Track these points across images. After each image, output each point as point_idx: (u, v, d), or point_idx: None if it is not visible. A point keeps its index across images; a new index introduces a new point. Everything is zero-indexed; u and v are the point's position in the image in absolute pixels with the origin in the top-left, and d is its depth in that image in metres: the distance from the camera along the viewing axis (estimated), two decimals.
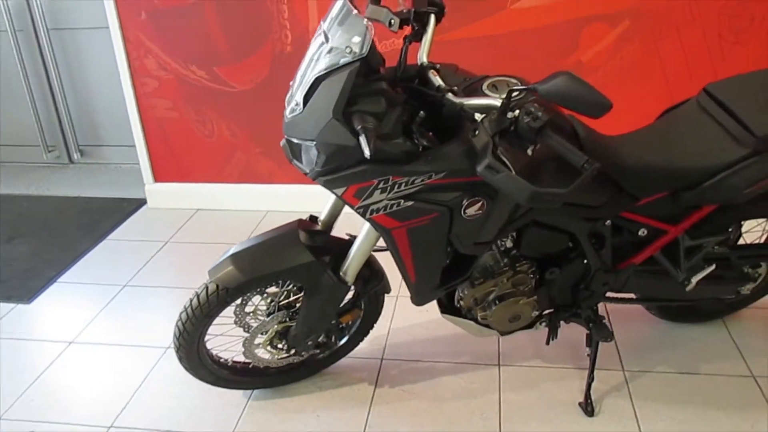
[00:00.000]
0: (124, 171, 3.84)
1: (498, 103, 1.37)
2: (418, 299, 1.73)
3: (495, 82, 1.57)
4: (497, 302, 1.79)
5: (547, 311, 1.95)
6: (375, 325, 2.07)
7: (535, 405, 1.98)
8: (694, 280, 1.87)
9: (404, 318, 2.41)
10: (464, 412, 1.97)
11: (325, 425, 1.95)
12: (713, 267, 1.88)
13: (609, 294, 1.94)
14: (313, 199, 3.03)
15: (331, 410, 2.00)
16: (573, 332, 2.19)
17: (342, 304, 1.85)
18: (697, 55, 2.71)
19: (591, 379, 1.96)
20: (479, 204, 1.51)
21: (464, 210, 1.51)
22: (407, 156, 1.43)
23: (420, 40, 1.62)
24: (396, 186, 1.44)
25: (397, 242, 1.54)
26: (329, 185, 1.46)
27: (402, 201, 1.46)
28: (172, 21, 2.96)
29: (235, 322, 1.85)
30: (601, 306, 2.26)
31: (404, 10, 1.65)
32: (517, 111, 1.33)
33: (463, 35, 2.80)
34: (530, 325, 1.93)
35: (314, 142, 1.40)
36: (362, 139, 1.27)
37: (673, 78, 2.77)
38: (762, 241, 2.14)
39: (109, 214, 3.32)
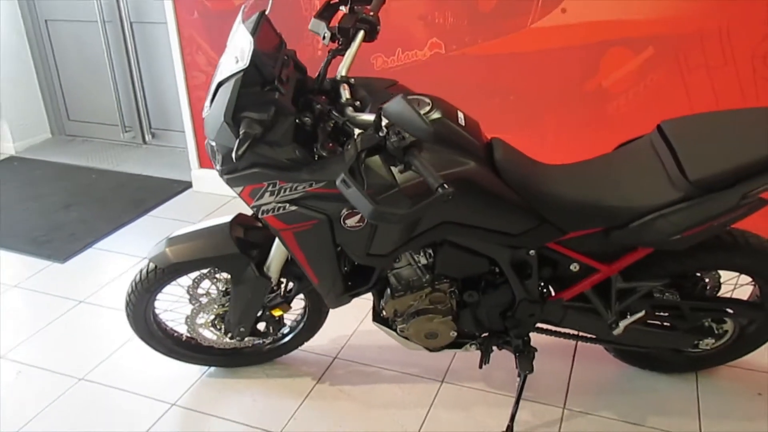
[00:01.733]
0: (185, 154, 4.17)
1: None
2: (329, 302, 1.80)
3: (409, 100, 1.61)
4: (415, 317, 1.81)
5: (483, 334, 1.95)
6: (322, 323, 2.16)
7: (458, 426, 1.98)
8: (623, 324, 1.79)
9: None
10: (386, 420, 2.01)
11: (256, 410, 2.07)
12: (642, 313, 1.79)
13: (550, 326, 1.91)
14: None
15: (268, 397, 2.12)
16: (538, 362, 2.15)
17: (272, 298, 1.96)
18: (728, 89, 2.53)
19: (515, 409, 1.92)
20: (359, 216, 1.56)
21: (344, 220, 1.56)
22: (293, 163, 1.51)
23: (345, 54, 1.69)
24: (283, 190, 1.53)
25: (288, 243, 1.63)
26: (230, 184, 1.57)
27: (287, 205, 1.55)
28: (220, 21, 3.20)
29: (189, 300, 2.01)
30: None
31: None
32: (387, 129, 1.37)
33: (482, 51, 2.80)
34: (458, 345, 1.94)
35: (214, 142, 1.53)
36: (236, 142, 1.37)
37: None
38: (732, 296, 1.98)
39: (158, 193, 3.65)
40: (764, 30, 2.40)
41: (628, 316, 1.78)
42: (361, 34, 1.69)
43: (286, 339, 2.18)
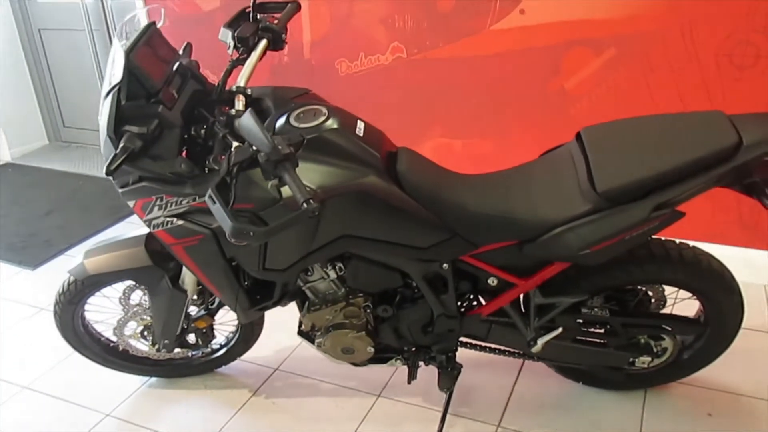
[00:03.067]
0: None
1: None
2: (238, 316, 1.77)
3: (305, 110, 1.56)
4: (330, 331, 1.77)
5: (411, 348, 1.89)
6: (257, 336, 2.13)
7: None
8: (540, 341, 1.70)
9: None
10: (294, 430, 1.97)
11: (187, 422, 2.05)
12: (559, 330, 1.71)
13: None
14: None
15: (202, 409, 2.10)
16: (471, 377, 2.09)
17: (198, 311, 1.94)
18: (692, 89, 2.40)
19: (440, 427, 1.86)
20: None
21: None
22: (178, 177, 1.48)
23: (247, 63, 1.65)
24: (169, 204, 1.51)
25: (181, 258, 1.60)
26: (124, 197, 1.56)
27: (175, 219, 1.52)
28: (190, 26, 3.20)
29: (123, 310, 2.01)
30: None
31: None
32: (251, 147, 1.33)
33: (444, 54, 2.73)
34: (383, 360, 1.88)
35: (103, 156, 1.51)
36: (111, 157, 1.35)
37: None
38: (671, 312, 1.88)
39: None
40: (728, 27, 2.27)
41: (546, 334, 1.70)
42: (263, 43, 1.65)
43: (220, 352, 2.16)
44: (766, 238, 2.52)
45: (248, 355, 2.24)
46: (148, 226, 1.57)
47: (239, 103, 1.54)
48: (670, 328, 1.78)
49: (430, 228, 1.59)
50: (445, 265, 1.67)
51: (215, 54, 3.12)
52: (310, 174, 1.48)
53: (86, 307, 2.00)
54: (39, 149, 4.52)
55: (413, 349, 1.88)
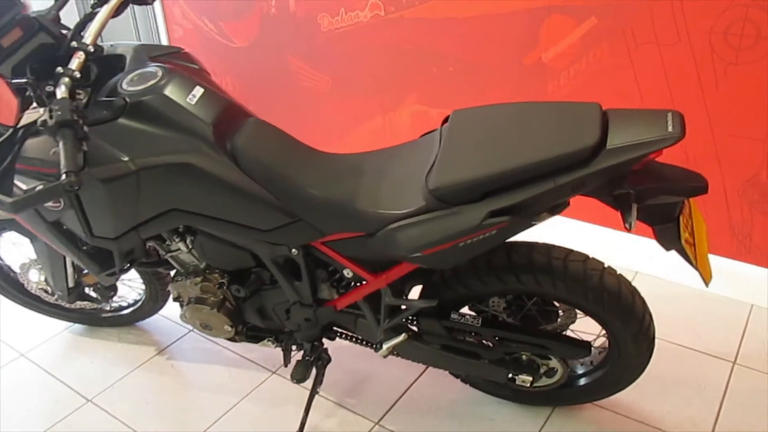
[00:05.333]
0: None
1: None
2: (98, 279, 1.74)
3: (142, 73, 1.46)
4: (190, 303, 1.70)
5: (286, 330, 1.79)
6: (165, 300, 2.11)
7: (258, 422, 1.86)
8: (386, 345, 1.54)
9: None
10: (194, 403, 1.94)
11: (86, 373, 2.08)
12: (402, 337, 1.53)
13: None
14: None
15: (104, 362, 2.12)
16: (372, 367, 1.97)
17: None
18: (681, 70, 2.05)
19: (304, 418, 1.76)
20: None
21: None
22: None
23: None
24: None
25: (19, 221, 1.57)
26: None
27: None
28: None
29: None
30: None
31: None
32: (46, 109, 1.25)
33: (421, 14, 2.50)
34: (256, 339, 1.80)
35: None
36: None
37: (650, 97, 2.14)
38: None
39: None
40: (725, 0, 1.90)
41: (392, 339, 1.54)
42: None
43: (128, 310, 2.16)
44: (760, 250, 2.15)
45: (172, 312, 2.24)
46: None
47: (75, 61, 1.45)
48: (549, 349, 1.56)
49: (271, 210, 1.45)
50: (294, 251, 1.53)
51: (210, 1, 3.06)
52: (130, 141, 1.39)
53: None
54: None
55: (287, 331, 1.77)
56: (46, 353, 2.18)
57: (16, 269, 2.09)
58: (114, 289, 2.06)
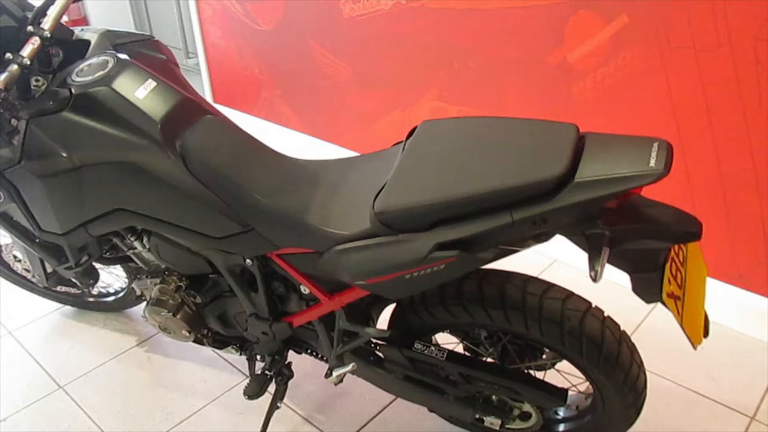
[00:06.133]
0: None
1: None
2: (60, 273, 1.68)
3: (95, 62, 1.36)
4: (150, 304, 1.62)
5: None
6: None
7: (217, 428, 1.77)
8: (336, 373, 1.41)
9: None
10: (160, 402, 1.87)
11: (63, 358, 2.04)
12: (350, 367, 1.39)
13: None
14: (314, 153, 2.96)
15: (84, 347, 2.08)
16: (351, 385, 1.85)
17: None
18: (720, 80, 1.80)
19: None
20: None
21: None
22: None
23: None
24: None
25: None
26: None
27: None
28: None
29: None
30: None
31: None
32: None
33: (442, 3, 2.32)
34: (220, 345, 1.71)
35: None
36: None
37: (683, 108, 1.91)
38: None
39: None
40: None
41: (341, 367, 1.41)
42: None
43: (111, 297, 2.11)
44: None
45: None
46: None
47: (29, 47, 1.36)
48: (519, 393, 1.39)
49: (221, 217, 1.34)
50: (248, 261, 1.42)
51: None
52: (72, 136, 1.30)
53: None
54: None
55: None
56: (31, 333, 2.16)
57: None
58: (94, 276, 2.01)
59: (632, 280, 1.11)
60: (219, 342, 1.70)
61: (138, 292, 1.68)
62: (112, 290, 2.16)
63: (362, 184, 1.29)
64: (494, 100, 2.34)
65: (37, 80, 1.40)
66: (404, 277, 1.15)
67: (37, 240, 1.55)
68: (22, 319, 2.22)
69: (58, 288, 2.11)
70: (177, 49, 4.42)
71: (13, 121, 1.18)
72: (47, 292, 2.20)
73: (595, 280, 1.02)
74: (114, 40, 1.49)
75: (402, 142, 1.33)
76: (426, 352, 1.41)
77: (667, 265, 1.09)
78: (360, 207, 1.21)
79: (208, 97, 3.61)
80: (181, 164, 1.32)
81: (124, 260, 1.68)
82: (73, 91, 1.30)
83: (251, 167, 1.37)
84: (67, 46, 1.48)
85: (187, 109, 1.38)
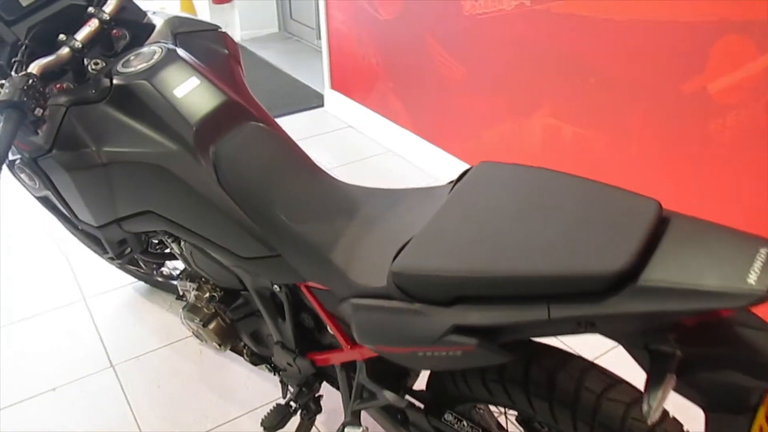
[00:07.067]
0: None
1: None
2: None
3: (144, 52, 1.28)
4: (185, 309, 1.54)
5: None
6: None
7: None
8: (346, 430, 1.23)
9: None
10: (199, 397, 1.81)
11: (125, 335, 2.05)
12: (364, 429, 1.20)
13: None
14: (420, 155, 2.79)
15: (143, 328, 2.08)
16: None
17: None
18: None
19: None
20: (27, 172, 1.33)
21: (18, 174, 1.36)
22: None
23: None
24: None
25: None
26: None
27: None
28: None
29: None
30: None
31: None
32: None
33: (570, 9, 2.04)
34: (254, 360, 1.60)
35: None
36: None
37: None
38: None
39: (298, 101, 3.70)
40: None
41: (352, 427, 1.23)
42: None
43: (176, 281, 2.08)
44: None
45: None
46: None
47: (85, 30, 1.30)
48: None
49: (248, 236, 1.21)
50: (276, 287, 1.29)
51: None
52: (105, 130, 1.22)
53: None
54: (267, 36, 4.79)
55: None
56: (103, 303, 2.20)
57: None
58: (158, 259, 1.99)
59: (707, 420, 0.83)
60: (254, 357, 1.59)
61: (180, 292, 1.61)
62: (176, 273, 2.13)
63: (395, 226, 1.10)
64: (614, 124, 2.03)
65: (96, 63, 1.34)
66: (417, 354, 0.95)
67: (79, 227, 1.52)
68: (98, 287, 2.27)
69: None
70: (310, 28, 4.41)
71: (38, 111, 1.11)
72: (125, 268, 2.22)
73: (648, 417, 0.76)
74: (177, 28, 1.40)
75: (454, 182, 1.12)
76: (456, 426, 1.21)
77: (761, 410, 0.81)
78: (385, 255, 1.03)
79: (325, 82, 3.53)
80: (212, 173, 1.20)
81: (167, 257, 1.62)
82: (114, 81, 1.23)
83: (285, 186, 1.22)
84: (135, 29, 1.41)
85: (230, 114, 1.25)
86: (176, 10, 4.90)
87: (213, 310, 1.49)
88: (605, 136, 2.07)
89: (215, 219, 1.22)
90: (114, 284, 2.28)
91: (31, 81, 1.11)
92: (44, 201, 1.47)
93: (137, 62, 1.25)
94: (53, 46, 1.25)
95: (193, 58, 1.30)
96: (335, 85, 3.49)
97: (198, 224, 1.25)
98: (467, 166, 2.64)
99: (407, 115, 2.99)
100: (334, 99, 3.51)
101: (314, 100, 3.68)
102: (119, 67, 1.25)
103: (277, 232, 1.18)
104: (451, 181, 1.15)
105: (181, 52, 1.28)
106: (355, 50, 3.19)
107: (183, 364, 1.95)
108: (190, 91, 1.23)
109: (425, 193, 1.16)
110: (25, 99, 1.09)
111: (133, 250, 1.54)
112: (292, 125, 3.46)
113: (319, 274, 1.15)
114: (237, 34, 4.73)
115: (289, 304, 1.30)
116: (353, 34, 3.15)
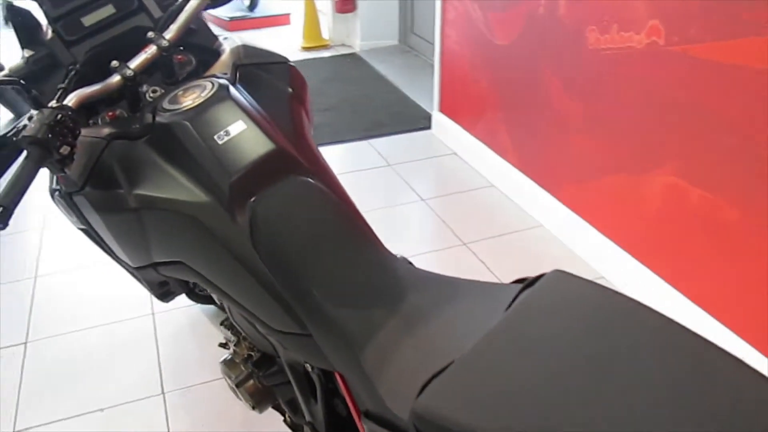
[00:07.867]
0: None
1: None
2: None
3: (195, 86, 1.15)
4: (223, 363, 1.42)
5: None
6: None
7: None
8: None
9: None
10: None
11: (187, 362, 1.99)
12: None
13: None
14: (524, 195, 2.56)
15: (207, 357, 2.00)
16: None
17: None
18: None
19: None
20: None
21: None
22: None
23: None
24: None
25: None
26: None
27: None
28: None
29: None
30: None
31: None
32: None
33: (707, 54, 1.72)
34: (291, 427, 1.45)
35: None
36: None
37: None
38: None
39: (405, 121, 3.54)
40: None
41: None
42: None
43: None
44: None
45: None
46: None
47: (141, 57, 1.19)
48: None
49: (279, 307, 1.06)
50: (309, 367, 1.12)
51: None
52: (140, 172, 1.11)
53: None
54: (386, 48, 4.68)
55: None
56: (170, 321, 2.15)
57: None
58: None
59: None
60: (292, 423, 1.44)
61: (223, 339, 1.49)
62: None
63: (440, 333, 0.89)
64: (750, 192, 1.68)
65: (154, 91, 1.24)
66: None
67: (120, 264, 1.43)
68: (170, 304, 2.22)
69: None
70: (429, 43, 4.25)
71: (64, 149, 1.01)
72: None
73: None
74: (240, 59, 1.26)
75: (521, 288, 0.89)
76: None
77: None
78: (416, 377, 0.82)
79: (434, 104, 3.34)
80: (246, 232, 1.05)
81: (213, 301, 1.51)
82: (156, 119, 1.11)
83: (326, 257, 1.05)
84: (203, 54, 1.30)
85: (275, 165, 1.09)
86: (300, 18, 4.93)
87: (249, 370, 1.35)
88: (737, 201, 1.72)
89: (246, 282, 1.07)
90: (183, 301, 2.23)
91: (60, 116, 1.01)
92: (86, 232, 1.40)
93: (184, 98, 1.13)
94: (106, 73, 1.16)
95: (247, 96, 1.16)
96: (444, 108, 3.30)
97: (228, 285, 1.11)
98: (573, 215, 2.37)
99: (514, 149, 2.74)
100: (441, 123, 3.32)
101: (422, 122, 3.51)
102: (165, 104, 1.14)
103: (309, 309, 1.01)
104: (519, 280, 0.92)
105: (232, 90, 1.15)
106: (466, 73, 2.98)
107: (230, 403, 1.83)
108: (234, 137, 1.08)
109: (487, 293, 0.94)
110: (50, 136, 0.99)
111: (175, 292, 1.43)
112: (395, 146, 3.31)
113: (348, 369, 0.97)
114: (357, 44, 4.67)
115: (322, 389, 1.13)
116: (466, 55, 2.94)
